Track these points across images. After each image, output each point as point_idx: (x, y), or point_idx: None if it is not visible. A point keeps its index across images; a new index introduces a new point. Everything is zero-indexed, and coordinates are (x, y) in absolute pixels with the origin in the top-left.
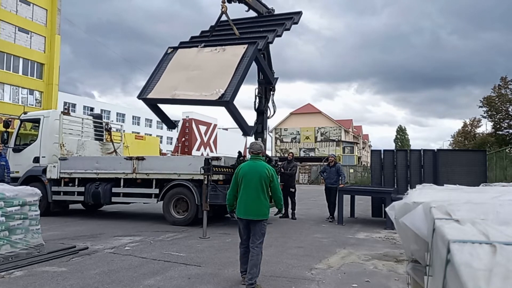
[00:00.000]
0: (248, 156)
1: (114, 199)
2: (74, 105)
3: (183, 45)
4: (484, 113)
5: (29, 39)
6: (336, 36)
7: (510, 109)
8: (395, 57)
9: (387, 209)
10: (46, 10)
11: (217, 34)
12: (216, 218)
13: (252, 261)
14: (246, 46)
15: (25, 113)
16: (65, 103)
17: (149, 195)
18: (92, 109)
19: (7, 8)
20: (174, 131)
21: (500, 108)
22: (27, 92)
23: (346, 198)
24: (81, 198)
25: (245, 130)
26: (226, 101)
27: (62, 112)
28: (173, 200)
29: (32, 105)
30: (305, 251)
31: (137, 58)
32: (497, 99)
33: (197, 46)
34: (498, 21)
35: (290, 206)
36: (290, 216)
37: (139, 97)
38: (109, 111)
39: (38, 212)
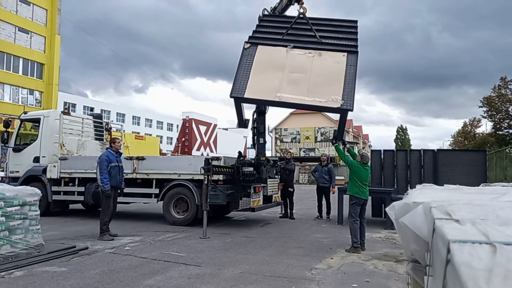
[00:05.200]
0: (249, 155)
1: None
2: (74, 105)
3: (258, 40)
4: (484, 113)
5: (29, 39)
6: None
7: (510, 109)
8: (389, 56)
9: (387, 209)
10: (46, 10)
11: (290, 34)
12: (216, 218)
13: (364, 229)
14: (345, 54)
15: (25, 113)
16: (65, 103)
17: (149, 195)
18: (92, 109)
19: (7, 8)
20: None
21: (500, 108)
22: (27, 92)
23: (346, 198)
24: (81, 198)
25: (340, 137)
26: (350, 110)
27: (62, 112)
28: (173, 200)
29: (32, 105)
30: (305, 251)
31: (128, 57)
32: (497, 99)
33: (280, 45)
34: (488, 19)
35: (289, 206)
36: (289, 216)
37: (233, 95)
38: (109, 111)
39: (38, 212)
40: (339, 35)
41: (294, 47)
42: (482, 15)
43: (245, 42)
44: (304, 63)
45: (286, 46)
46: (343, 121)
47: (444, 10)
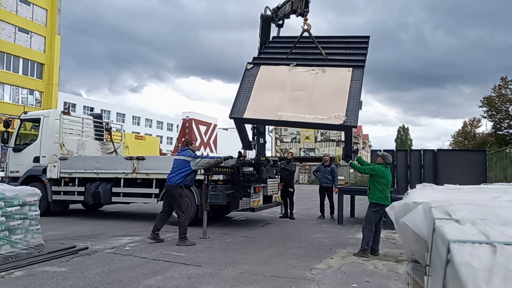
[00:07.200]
0: (249, 156)
1: (114, 199)
2: (74, 105)
3: (261, 61)
4: (484, 113)
5: (29, 39)
6: (321, 35)
7: (510, 109)
8: (384, 55)
9: (387, 209)
10: (46, 10)
11: (295, 52)
12: (216, 218)
13: (380, 235)
14: (350, 69)
15: (25, 113)
16: (65, 103)
17: (149, 195)
18: (92, 109)
19: (7, 8)
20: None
21: (500, 108)
22: (27, 92)
23: (346, 198)
24: (81, 198)
25: (350, 155)
26: (353, 126)
27: (62, 112)
28: None
29: (32, 105)
30: (305, 251)
31: (121, 57)
32: (497, 99)
33: (283, 64)
34: (481, 18)
35: (289, 206)
36: (289, 216)
37: (232, 116)
38: (109, 111)
39: (38, 212)
40: (347, 51)
41: (297, 65)
42: (475, 14)
43: (248, 63)
44: (306, 81)
45: (289, 65)
46: (348, 137)
47: (435, 8)
